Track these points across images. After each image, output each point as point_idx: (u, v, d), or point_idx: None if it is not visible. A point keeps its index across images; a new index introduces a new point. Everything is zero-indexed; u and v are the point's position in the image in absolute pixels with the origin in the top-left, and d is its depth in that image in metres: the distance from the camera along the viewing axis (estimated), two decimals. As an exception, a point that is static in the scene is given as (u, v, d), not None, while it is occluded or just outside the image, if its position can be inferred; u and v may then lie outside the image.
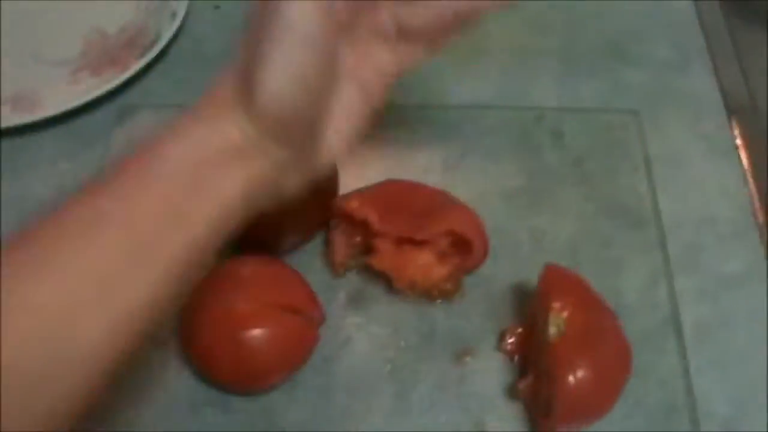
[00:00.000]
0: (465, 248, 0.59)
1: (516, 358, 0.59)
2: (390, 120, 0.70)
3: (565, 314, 0.53)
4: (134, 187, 0.41)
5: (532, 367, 0.56)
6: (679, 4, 0.82)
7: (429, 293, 0.61)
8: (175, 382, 0.59)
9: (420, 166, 0.68)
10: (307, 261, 0.64)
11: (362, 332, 0.60)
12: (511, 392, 0.57)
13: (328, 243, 0.63)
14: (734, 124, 0.72)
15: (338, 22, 0.44)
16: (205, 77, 0.74)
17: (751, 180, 0.68)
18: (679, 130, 0.72)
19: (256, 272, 0.59)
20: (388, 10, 0.48)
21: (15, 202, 0.68)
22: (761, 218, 0.66)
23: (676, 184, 0.68)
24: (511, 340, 0.59)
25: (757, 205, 0.67)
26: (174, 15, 0.78)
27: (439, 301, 0.61)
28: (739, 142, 0.71)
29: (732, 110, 0.73)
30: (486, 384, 0.58)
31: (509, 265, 0.63)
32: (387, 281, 0.61)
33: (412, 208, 0.61)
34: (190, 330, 0.57)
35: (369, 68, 0.49)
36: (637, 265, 0.63)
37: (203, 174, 0.42)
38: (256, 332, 0.54)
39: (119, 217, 0.40)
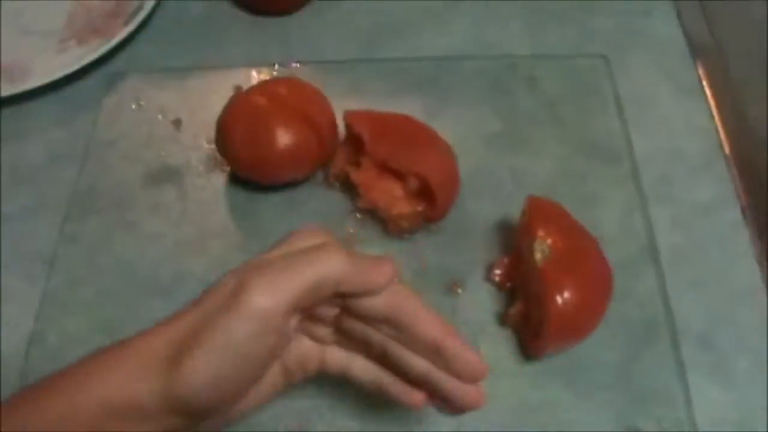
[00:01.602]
0: (431, 198, 0.62)
1: (506, 285, 0.62)
2: (370, 73, 0.73)
3: (549, 240, 0.56)
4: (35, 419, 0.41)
5: (520, 294, 0.59)
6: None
7: (386, 223, 0.64)
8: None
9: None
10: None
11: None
12: (502, 319, 0.60)
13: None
14: (698, 63, 0.75)
15: (285, 342, 0.45)
16: (189, 40, 0.78)
17: (716, 115, 0.72)
18: (647, 71, 0.75)
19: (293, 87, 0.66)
20: (330, 325, 0.48)
21: (9, 169, 0.71)
22: (727, 150, 0.69)
23: (646, 122, 0.71)
24: (498, 271, 0.62)
25: (723, 137, 0.70)
26: (154, -16, 0.80)
27: (398, 235, 0.64)
28: (703, 80, 0.74)
29: (696, 50, 0.76)
30: (477, 313, 0.61)
31: (492, 202, 0.66)
32: (381, 223, 0.64)
33: (402, 140, 0.64)
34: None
35: (295, 356, 0.48)
36: (613, 198, 0.66)
37: (108, 423, 0.41)
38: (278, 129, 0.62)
39: None
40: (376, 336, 0.46)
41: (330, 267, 0.42)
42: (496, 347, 0.59)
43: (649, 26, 0.79)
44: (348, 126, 0.65)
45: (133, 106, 0.74)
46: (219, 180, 0.69)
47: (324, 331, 0.48)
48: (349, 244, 0.64)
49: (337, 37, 0.78)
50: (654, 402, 0.56)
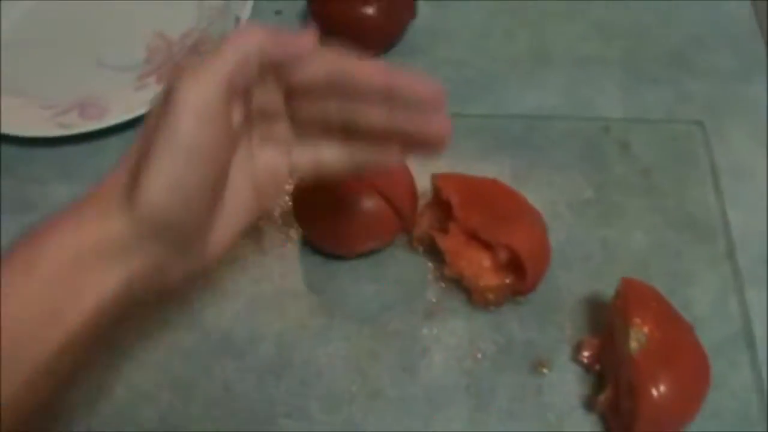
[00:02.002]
0: (520, 270, 0.59)
1: (595, 368, 0.59)
2: (456, 129, 0.71)
3: (645, 329, 0.53)
4: (8, 283, 0.41)
5: (611, 379, 0.57)
6: (739, 12, 0.82)
7: (470, 293, 0.62)
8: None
9: (489, 176, 0.69)
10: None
11: (439, 344, 0.61)
12: (590, 404, 0.57)
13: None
14: (799, 132, 0.72)
15: (230, 134, 0.44)
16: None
17: (818, 188, 0.69)
18: (745, 140, 0.72)
19: None
20: (283, 117, 0.48)
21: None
22: (828, 231, 0.66)
23: (744, 195, 0.68)
24: (587, 353, 0.59)
25: (824, 217, 0.67)
26: (237, 20, 0.79)
27: (483, 307, 0.62)
28: (804, 152, 0.71)
29: (795, 119, 0.73)
30: (563, 395, 0.58)
31: (581, 276, 0.63)
32: (465, 293, 0.62)
33: (491, 207, 0.62)
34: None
35: (263, 170, 0.48)
36: (707, 278, 0.63)
37: (81, 270, 0.41)
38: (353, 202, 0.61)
39: None
40: (331, 106, 0.46)
41: (249, 40, 0.43)
42: (583, 434, 0.57)
43: (747, 92, 0.76)
44: (435, 189, 0.63)
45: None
46: (297, 236, 0.67)
47: (282, 128, 0.48)
48: (431, 314, 0.62)
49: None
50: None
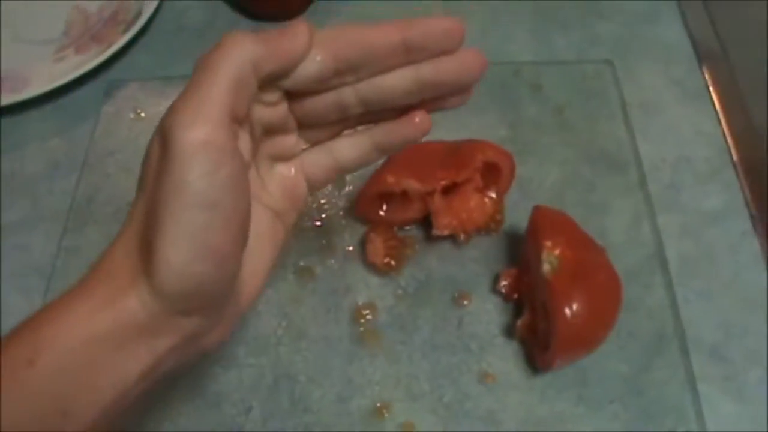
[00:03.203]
0: (495, 175, 0.61)
1: (513, 297, 0.61)
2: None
3: (557, 251, 0.55)
4: (9, 375, 0.35)
5: (528, 306, 0.58)
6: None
7: (486, 227, 0.63)
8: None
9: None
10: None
11: (361, 284, 0.62)
12: (509, 332, 0.59)
13: (365, 246, 0.63)
14: (704, 68, 0.74)
15: (245, 168, 0.38)
16: (188, 48, 0.77)
17: (723, 121, 0.71)
18: (653, 77, 0.74)
19: None
20: (289, 126, 0.44)
21: (8, 179, 0.70)
22: (735, 156, 0.68)
23: (653, 128, 0.70)
24: (505, 282, 0.60)
25: (731, 144, 0.69)
26: (154, -10, 0.79)
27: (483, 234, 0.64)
28: (710, 85, 0.73)
29: (702, 55, 0.75)
30: (484, 325, 0.60)
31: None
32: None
33: (435, 160, 0.62)
34: None
35: (280, 193, 0.44)
36: (620, 206, 0.65)
37: (95, 360, 0.35)
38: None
39: None
40: (346, 92, 0.42)
41: (238, 55, 0.36)
42: (504, 360, 0.58)
43: (655, 31, 0.78)
44: (376, 220, 0.64)
45: (131, 116, 0.72)
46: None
47: (289, 140, 0.44)
48: (351, 257, 0.63)
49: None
50: (664, 415, 0.55)
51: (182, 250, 0.35)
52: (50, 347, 0.35)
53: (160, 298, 0.36)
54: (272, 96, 0.41)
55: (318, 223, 0.65)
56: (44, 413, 0.35)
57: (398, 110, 0.44)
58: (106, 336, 0.35)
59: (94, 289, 0.36)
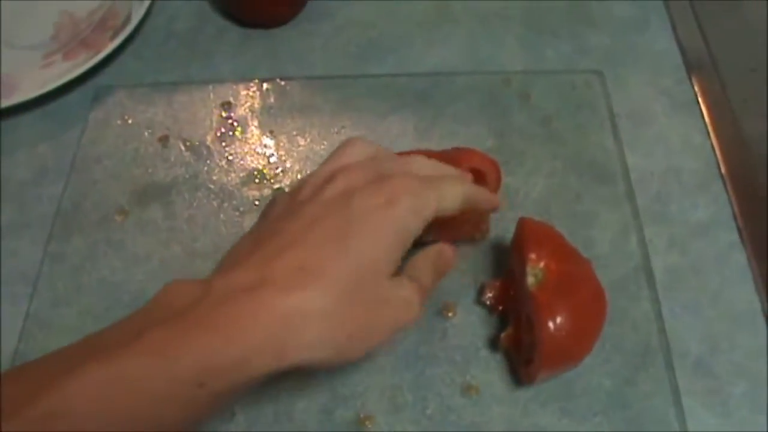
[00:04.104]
0: (480, 183, 0.60)
1: (498, 309, 0.60)
2: (361, 89, 0.72)
3: (542, 264, 0.55)
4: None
5: (513, 318, 0.58)
6: (636, -36, 0.84)
7: (471, 237, 0.63)
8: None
9: (393, 133, 0.70)
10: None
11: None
12: (493, 344, 0.59)
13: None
14: (693, 79, 0.74)
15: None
16: (177, 54, 0.76)
17: (712, 132, 0.70)
18: (642, 87, 0.74)
19: None
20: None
21: (-2, 184, 0.69)
22: (723, 168, 0.68)
23: (642, 139, 0.70)
24: (490, 294, 0.60)
25: (720, 155, 0.69)
26: (141, -5, 0.79)
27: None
28: (699, 96, 0.73)
29: (691, 66, 0.75)
30: (468, 337, 0.59)
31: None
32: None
33: None
34: None
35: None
36: (607, 218, 0.65)
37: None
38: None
39: None
40: None
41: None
42: (487, 372, 0.58)
43: (644, 41, 0.77)
44: None
45: (119, 122, 0.72)
46: (207, 198, 0.67)
47: None
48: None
49: (328, 52, 0.77)
50: (649, 428, 0.55)
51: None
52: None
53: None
54: None
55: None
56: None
57: None
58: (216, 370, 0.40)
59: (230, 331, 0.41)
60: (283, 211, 0.49)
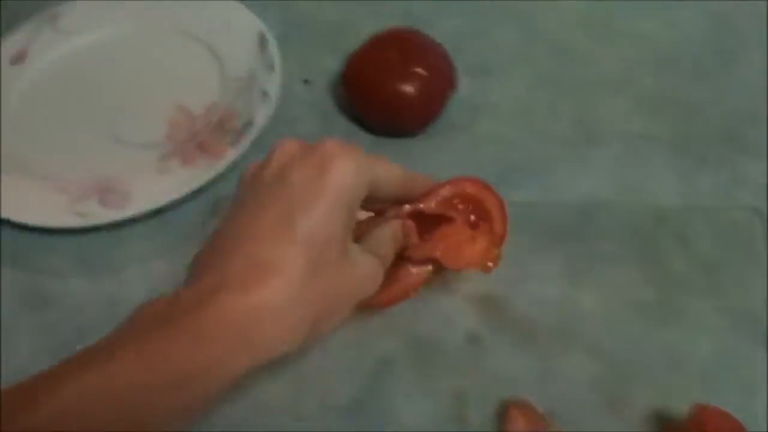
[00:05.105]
0: (484, 215, 0.59)
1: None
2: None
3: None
4: None
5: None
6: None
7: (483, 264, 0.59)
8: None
9: (540, 273, 0.65)
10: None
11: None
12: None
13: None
14: None
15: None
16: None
17: None
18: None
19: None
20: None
21: (108, 305, 0.65)
22: None
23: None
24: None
25: None
26: (265, 94, 0.74)
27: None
28: None
29: None
30: None
31: (646, 389, 0.59)
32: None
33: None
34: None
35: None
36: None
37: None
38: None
39: None
40: None
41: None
42: None
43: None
44: None
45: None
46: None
47: None
48: None
49: (463, 168, 0.72)
50: None
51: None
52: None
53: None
54: None
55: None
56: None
57: None
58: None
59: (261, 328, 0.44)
60: (233, 206, 0.51)
